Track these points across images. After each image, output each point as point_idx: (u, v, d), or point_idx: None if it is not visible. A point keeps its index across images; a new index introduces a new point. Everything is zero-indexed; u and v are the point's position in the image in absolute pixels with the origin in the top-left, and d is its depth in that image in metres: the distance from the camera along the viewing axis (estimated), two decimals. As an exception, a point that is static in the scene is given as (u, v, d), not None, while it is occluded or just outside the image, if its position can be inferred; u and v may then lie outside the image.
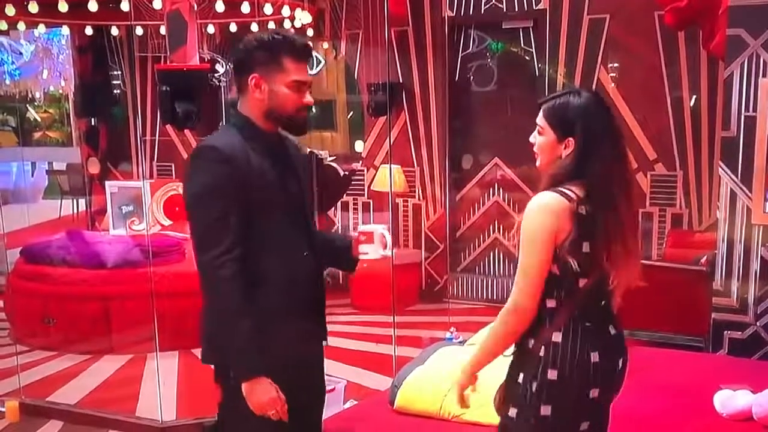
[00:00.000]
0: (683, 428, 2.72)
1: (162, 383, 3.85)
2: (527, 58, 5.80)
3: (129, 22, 5.80)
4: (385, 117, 6.07)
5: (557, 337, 1.89)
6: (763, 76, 3.64)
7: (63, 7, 5.44)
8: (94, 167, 7.08)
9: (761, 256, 3.73)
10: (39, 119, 8.61)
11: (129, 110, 7.21)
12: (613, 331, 1.97)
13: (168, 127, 6.00)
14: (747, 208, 3.73)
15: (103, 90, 7.15)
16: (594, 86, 5.41)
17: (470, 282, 6.12)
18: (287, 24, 5.90)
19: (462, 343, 3.43)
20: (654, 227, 5.39)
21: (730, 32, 3.71)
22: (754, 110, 3.66)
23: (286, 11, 5.63)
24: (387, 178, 5.66)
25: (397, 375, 3.09)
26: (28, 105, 8.18)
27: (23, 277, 5.40)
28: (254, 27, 5.74)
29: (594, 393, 1.90)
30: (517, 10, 5.67)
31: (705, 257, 4.24)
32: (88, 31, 6.34)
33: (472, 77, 6.00)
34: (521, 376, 1.92)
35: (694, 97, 5.19)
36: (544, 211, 1.85)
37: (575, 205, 1.84)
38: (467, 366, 1.98)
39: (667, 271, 4.50)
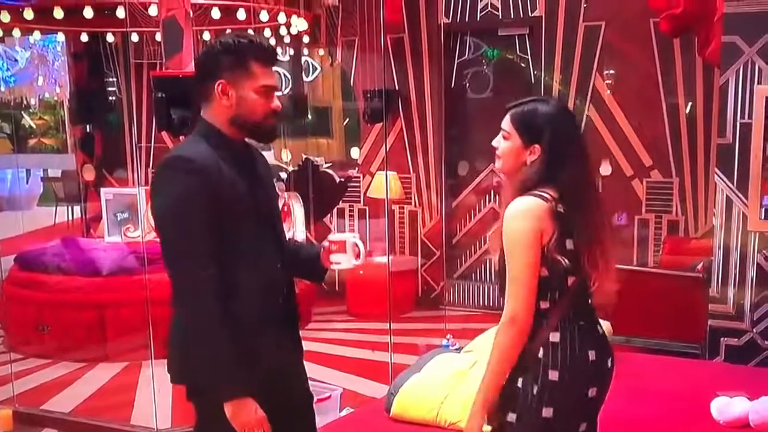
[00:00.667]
0: (680, 435, 2.71)
1: (157, 391, 3.83)
2: (523, 65, 5.81)
3: (124, 29, 5.79)
4: (381, 124, 6.08)
5: (555, 337, 1.89)
6: (759, 83, 3.65)
7: (58, 13, 5.44)
8: (89, 174, 7.06)
9: (757, 263, 3.73)
10: (34, 126, 8.58)
11: (124, 117, 7.19)
12: (600, 331, 1.99)
13: (163, 133, 5.97)
14: (743, 214, 3.73)
15: (99, 97, 7.14)
16: (590, 93, 5.44)
17: (467, 289, 6.11)
18: (283, 31, 5.90)
19: (459, 350, 3.42)
20: (650, 234, 5.40)
21: (726, 39, 3.72)
22: (750, 117, 3.67)
23: (281, 18, 5.63)
24: (383, 184, 5.66)
25: (394, 382, 3.08)
26: (23, 112, 8.16)
27: (17, 285, 5.37)
28: (250, 33, 5.74)
29: (593, 392, 1.91)
30: (512, 17, 5.68)
31: (701, 264, 4.25)
32: (84, 37, 6.33)
33: (468, 84, 6.01)
34: (520, 380, 1.91)
35: (690, 104, 5.20)
36: (525, 216, 1.85)
37: (553, 204, 1.86)
38: (480, 401, 1.92)
39: (663, 278, 4.51)
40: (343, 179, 6.49)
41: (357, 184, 6.48)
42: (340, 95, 6.75)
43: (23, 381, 4.55)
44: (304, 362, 2.24)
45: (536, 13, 5.58)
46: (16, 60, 7.54)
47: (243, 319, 1.95)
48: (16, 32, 6.10)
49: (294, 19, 5.71)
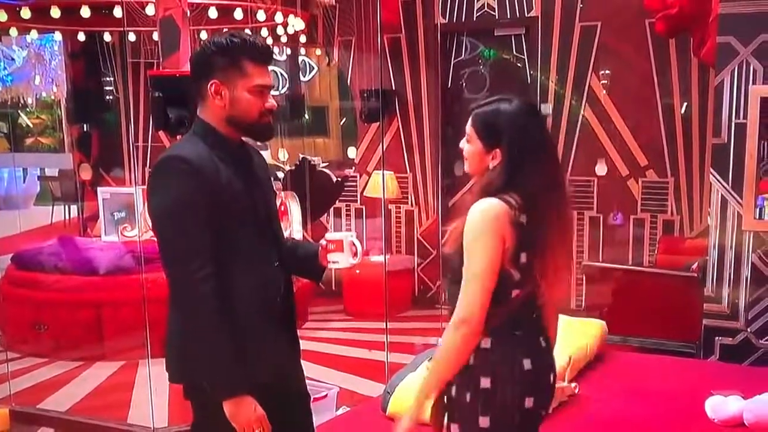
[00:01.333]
0: (675, 434, 2.72)
1: (154, 390, 3.82)
2: (519, 65, 5.82)
3: (122, 28, 5.78)
4: (378, 123, 6.08)
5: (486, 343, 1.84)
6: (753, 83, 3.67)
7: (55, 12, 5.43)
8: (86, 173, 7.05)
9: (752, 263, 3.75)
10: (31, 125, 8.57)
11: (121, 116, 7.18)
12: (543, 344, 1.92)
13: (160, 133, 5.98)
14: (738, 214, 3.75)
15: (96, 96, 7.13)
16: (585, 93, 5.45)
17: (463, 288, 6.11)
18: (280, 30, 5.91)
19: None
20: (645, 233, 5.41)
21: (721, 40, 3.74)
22: (745, 117, 3.69)
23: (279, 18, 5.63)
24: (380, 184, 5.66)
25: (390, 381, 3.09)
26: (20, 111, 8.14)
27: (14, 284, 5.37)
28: (247, 33, 5.74)
29: (529, 402, 1.85)
30: (509, 17, 5.69)
31: (696, 263, 4.26)
32: (81, 37, 6.32)
33: (464, 84, 6.02)
34: (454, 388, 1.88)
35: (685, 104, 5.22)
36: (489, 217, 1.80)
37: (516, 213, 1.80)
38: (420, 395, 1.91)
39: (658, 278, 4.52)
40: (339, 179, 6.50)
41: (354, 184, 6.48)
42: (337, 95, 6.76)
43: (20, 380, 4.54)
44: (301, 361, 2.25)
45: (532, 14, 5.59)
46: (13, 59, 7.52)
47: (241, 318, 1.95)
48: (13, 31, 6.10)
49: (291, 18, 5.71)
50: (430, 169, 6.15)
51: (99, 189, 6.26)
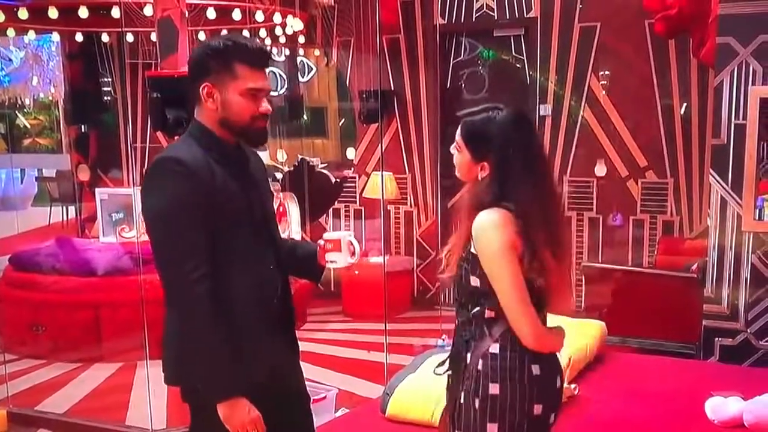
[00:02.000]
0: (675, 435, 2.72)
1: (152, 391, 3.81)
2: (518, 65, 5.81)
3: (120, 29, 5.77)
4: (377, 124, 6.07)
5: (495, 348, 1.83)
6: (753, 84, 3.67)
7: (53, 13, 5.42)
8: (84, 174, 7.03)
9: (751, 263, 3.75)
10: (28, 126, 8.54)
11: (119, 117, 7.17)
12: None
13: (158, 134, 5.97)
14: (737, 215, 3.75)
15: (94, 97, 7.11)
16: (585, 94, 5.44)
17: (462, 289, 6.10)
18: (278, 31, 5.90)
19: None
20: (645, 234, 5.41)
21: (720, 40, 3.74)
22: (744, 118, 3.69)
23: (277, 18, 5.63)
24: (379, 185, 5.65)
25: (389, 383, 3.08)
26: (17, 112, 8.12)
27: (12, 285, 5.36)
28: (245, 34, 5.74)
29: (537, 409, 1.83)
30: (508, 18, 5.68)
31: (696, 264, 4.26)
32: (79, 37, 6.32)
33: (463, 85, 6.02)
34: (462, 395, 1.87)
35: (685, 104, 5.22)
36: (498, 226, 1.78)
37: (516, 219, 1.79)
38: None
39: (658, 278, 4.52)
40: (338, 179, 6.48)
41: (353, 185, 6.48)
42: (335, 95, 6.75)
43: (18, 381, 4.53)
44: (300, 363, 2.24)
45: (531, 14, 5.59)
46: (10, 60, 7.50)
47: (237, 319, 1.94)
48: (11, 32, 6.08)
49: (290, 19, 5.70)
50: (429, 170, 6.14)
51: (97, 190, 6.25)
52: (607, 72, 5.39)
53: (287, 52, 6.54)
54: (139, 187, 1.97)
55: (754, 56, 3.66)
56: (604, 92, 5.40)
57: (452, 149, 1.95)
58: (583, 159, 5.46)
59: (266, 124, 2.01)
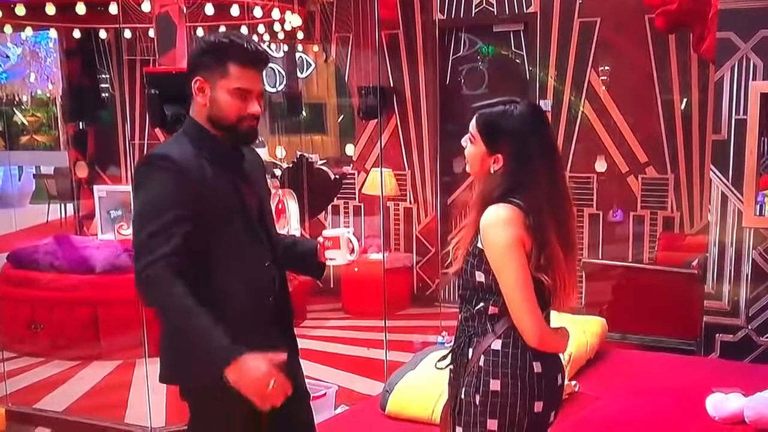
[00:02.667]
0: (676, 432, 2.71)
1: (151, 389, 3.80)
2: (518, 61, 5.80)
3: (117, 25, 5.75)
4: (376, 120, 6.06)
5: (497, 345, 1.82)
6: (753, 79, 3.65)
7: (50, 9, 5.39)
8: (82, 171, 7.02)
9: (752, 259, 3.74)
10: (26, 123, 8.53)
11: (117, 114, 7.15)
12: None
13: (157, 130, 5.95)
14: (738, 211, 3.74)
15: (92, 93, 7.09)
16: (585, 89, 5.43)
17: (461, 286, 6.10)
18: (277, 27, 5.87)
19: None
20: (645, 230, 5.40)
21: (720, 35, 3.72)
22: (745, 113, 3.67)
23: (276, 14, 5.60)
24: (378, 181, 5.63)
25: (389, 380, 3.07)
26: (15, 108, 8.11)
27: (10, 283, 5.34)
28: (244, 30, 5.72)
29: (538, 407, 1.83)
30: (507, 13, 5.66)
31: (696, 260, 4.25)
32: (76, 34, 6.29)
33: (462, 80, 6.00)
34: (463, 390, 1.87)
35: (685, 100, 5.20)
36: (506, 223, 1.77)
37: (525, 215, 1.78)
38: None
39: (658, 275, 4.51)
40: (337, 176, 6.47)
41: (352, 181, 6.46)
42: (334, 92, 6.73)
43: (16, 380, 4.52)
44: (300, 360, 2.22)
45: (531, 9, 5.56)
46: (7, 56, 7.47)
47: (233, 318, 1.93)
48: (8, 28, 6.06)
49: (288, 15, 5.68)
50: (429, 166, 6.13)
51: (95, 187, 6.24)
52: (607, 67, 5.37)
53: (286, 48, 6.52)
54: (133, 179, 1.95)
55: (754, 51, 3.64)
56: (604, 88, 5.39)
57: (464, 141, 1.93)
58: (583, 155, 5.45)
59: (255, 124, 1.99)
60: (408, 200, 6.28)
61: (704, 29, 4.20)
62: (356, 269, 5.33)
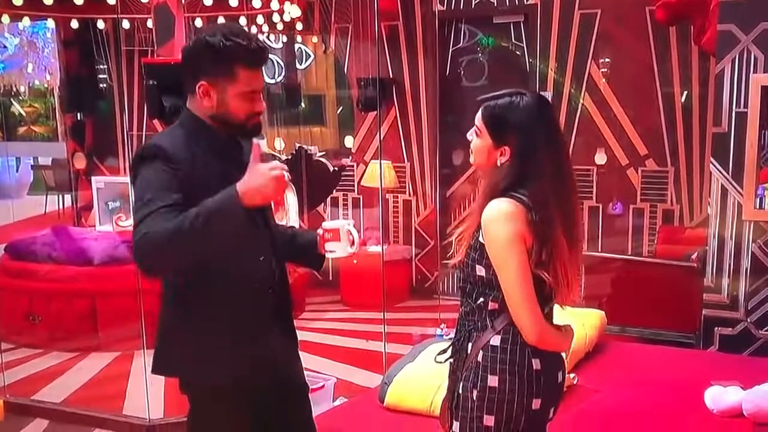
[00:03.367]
0: (674, 425, 2.71)
1: (149, 381, 3.79)
2: (518, 53, 5.77)
3: (115, 16, 5.73)
4: (375, 112, 6.04)
5: (496, 340, 1.81)
6: (754, 71, 3.64)
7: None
8: (80, 162, 7.00)
9: (752, 253, 3.73)
10: (24, 114, 8.50)
11: (115, 105, 7.13)
12: None
13: (155, 121, 5.92)
14: (738, 204, 3.73)
15: (89, 84, 7.06)
16: (585, 81, 5.41)
17: (460, 278, 6.10)
18: (276, 18, 5.85)
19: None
20: (645, 223, 5.39)
21: (721, 28, 3.70)
22: (745, 106, 3.66)
23: (274, 4, 5.58)
24: (377, 173, 5.63)
25: (387, 372, 3.07)
26: (12, 99, 8.08)
27: (8, 274, 5.33)
28: (242, 21, 5.69)
29: (536, 404, 1.82)
30: (507, 4, 5.64)
31: (696, 253, 4.25)
32: (74, 24, 6.26)
33: (462, 72, 5.98)
34: (461, 385, 1.86)
35: (685, 92, 5.18)
36: (507, 218, 1.76)
37: (529, 211, 1.76)
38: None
39: (657, 267, 4.51)
40: (336, 168, 6.46)
41: (351, 173, 6.45)
42: (333, 83, 6.71)
43: (14, 371, 4.51)
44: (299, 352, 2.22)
45: (531, 1, 5.54)
46: (5, 47, 7.45)
47: (232, 309, 1.92)
48: (5, 18, 6.02)
49: (287, 5, 5.65)
50: (428, 159, 6.11)
51: (93, 178, 6.22)
52: (607, 59, 5.35)
53: (285, 39, 6.49)
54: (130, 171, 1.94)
55: (755, 44, 3.62)
56: (604, 80, 5.37)
57: (469, 135, 1.91)
58: (583, 147, 5.43)
59: (259, 119, 1.98)
60: (407, 192, 6.27)
61: (705, 21, 4.18)
62: (355, 261, 5.33)
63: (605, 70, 5.36)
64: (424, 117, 6.08)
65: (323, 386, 3.56)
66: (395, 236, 6.34)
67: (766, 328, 3.74)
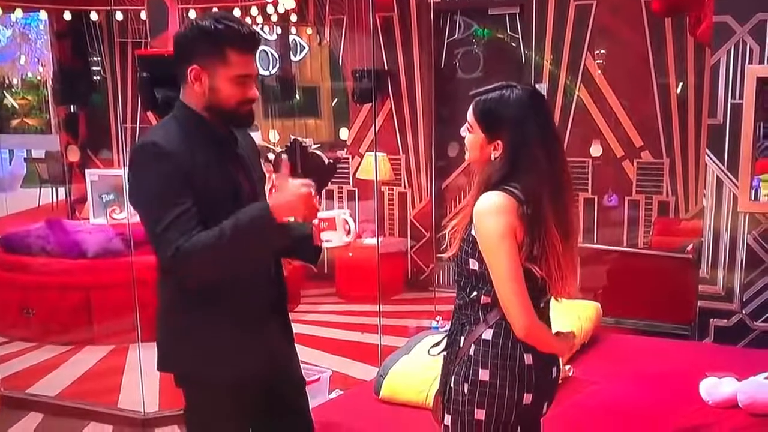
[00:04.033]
0: (669, 416, 2.71)
1: (144, 374, 3.80)
2: (513, 44, 5.76)
3: (109, 7, 5.69)
4: (371, 104, 6.01)
5: (488, 334, 1.81)
6: (750, 62, 3.63)
7: (40, -10, 5.33)
8: (73, 155, 6.97)
9: (747, 244, 3.74)
10: (17, 106, 8.45)
11: (109, 97, 7.10)
12: None
13: (149, 114, 5.90)
14: (733, 195, 3.73)
15: (83, 76, 7.02)
16: (580, 73, 5.40)
17: (456, 270, 6.09)
18: (270, 9, 5.82)
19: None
20: (640, 215, 5.40)
21: (717, 19, 3.69)
22: (741, 98, 3.65)
23: (269, -4, 5.55)
24: (372, 165, 5.61)
25: (383, 364, 3.07)
26: (5, 91, 8.03)
27: (2, 267, 5.30)
28: (236, 12, 5.65)
29: (527, 399, 1.81)
30: (503, -5, 5.62)
31: (691, 245, 4.26)
32: (67, 15, 6.23)
33: (458, 64, 5.96)
34: (453, 379, 1.86)
35: (681, 84, 5.18)
36: (498, 212, 1.75)
37: (521, 205, 1.75)
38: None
39: (653, 259, 4.52)
40: (332, 160, 6.44)
41: (346, 165, 6.43)
42: (328, 75, 6.68)
43: (8, 365, 4.51)
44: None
45: (527, -8, 5.52)
46: (-3, 38, 7.40)
47: (229, 303, 1.91)
48: (-3, 10, 5.99)
49: (281, -3, 5.62)
50: (423, 151, 6.10)
51: (87, 171, 6.20)
52: (602, 51, 5.35)
53: (279, 30, 6.46)
54: (127, 168, 1.92)
55: (751, 35, 3.62)
56: (599, 71, 5.37)
57: (463, 131, 1.89)
58: (579, 139, 5.43)
59: (252, 107, 1.96)
60: (402, 185, 6.26)
61: (701, 12, 4.18)
62: (350, 254, 5.32)
63: (601, 61, 5.35)
64: (420, 109, 6.06)
65: (319, 379, 3.56)
66: (390, 228, 6.34)
67: (761, 320, 3.75)
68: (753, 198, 3.71)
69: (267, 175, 2.20)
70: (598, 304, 3.67)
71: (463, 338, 1.85)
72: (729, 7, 3.64)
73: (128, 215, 5.12)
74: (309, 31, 6.48)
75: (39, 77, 7.81)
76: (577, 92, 5.44)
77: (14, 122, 8.45)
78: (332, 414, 2.88)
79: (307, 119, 6.81)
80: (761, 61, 3.62)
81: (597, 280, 4.52)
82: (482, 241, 1.78)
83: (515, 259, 1.75)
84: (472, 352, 1.81)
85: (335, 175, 6.46)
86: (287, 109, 6.68)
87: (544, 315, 1.89)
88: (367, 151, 6.20)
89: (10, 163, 8.56)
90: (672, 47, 5.15)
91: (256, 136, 5.66)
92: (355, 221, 2.13)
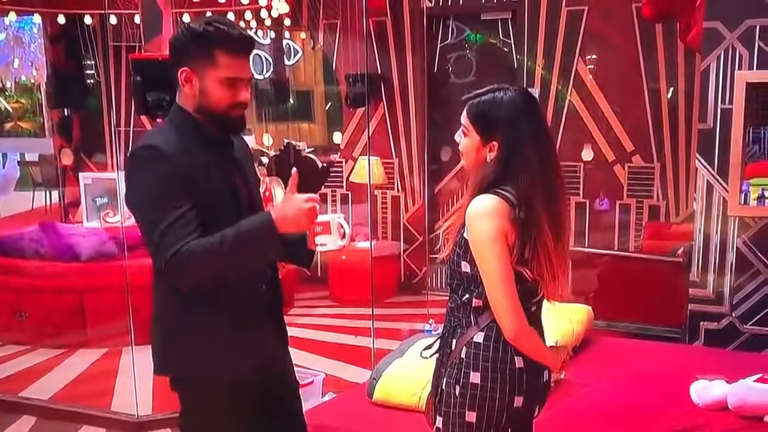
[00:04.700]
0: (659, 418, 2.73)
1: (138, 377, 3.80)
2: (506, 49, 5.79)
3: (102, 11, 5.69)
4: (364, 108, 6.03)
5: (479, 337, 1.82)
6: (740, 68, 3.66)
7: (34, -6, 5.33)
8: (67, 158, 6.96)
9: (737, 248, 3.76)
10: (10, 109, 8.44)
11: (103, 100, 7.09)
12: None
13: (143, 117, 5.91)
14: (723, 199, 3.76)
15: (77, 80, 7.02)
16: (572, 78, 5.43)
17: (449, 274, 6.10)
18: (264, 13, 5.83)
19: (441, 335, 3.42)
20: (631, 219, 5.42)
21: (707, 25, 3.73)
22: (731, 103, 3.69)
23: (262, 0, 5.56)
24: (365, 169, 5.63)
25: (376, 368, 3.08)
26: (-2, 95, 8.04)
27: (-5, 271, 5.30)
28: (231, 16, 5.67)
29: (518, 402, 1.82)
30: (495, 1, 5.66)
31: (682, 249, 4.28)
32: (61, 19, 6.22)
33: (450, 68, 5.98)
34: (444, 381, 1.87)
35: (671, 89, 5.22)
36: (490, 215, 1.77)
37: (513, 208, 1.77)
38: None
39: (644, 263, 4.54)
40: (325, 164, 6.44)
41: (339, 169, 6.44)
42: (321, 79, 6.70)
43: (1, 368, 4.50)
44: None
45: (519, -3, 5.56)
46: (-9, 42, 7.39)
47: (225, 307, 1.92)
48: (-9, 13, 5.99)
49: (275, 1, 5.63)
50: (417, 155, 6.12)
51: (81, 174, 6.20)
52: (594, 56, 5.38)
53: (273, 34, 6.47)
54: (124, 172, 1.93)
55: (740, 41, 3.65)
56: (591, 76, 5.40)
57: (457, 136, 1.91)
58: (570, 143, 5.46)
59: (243, 112, 1.97)
60: (396, 188, 6.28)
61: (691, 18, 4.21)
62: (344, 257, 5.33)
63: (592, 66, 5.39)
64: (413, 113, 6.08)
65: (312, 382, 3.56)
66: (384, 232, 6.35)
67: (750, 323, 3.77)
68: (742, 202, 3.74)
69: (260, 179, 2.21)
70: (590, 308, 3.69)
71: (454, 341, 1.86)
72: (719, 13, 3.68)
73: (122, 218, 5.13)
74: (303, 35, 6.49)
75: (33, 81, 7.81)
76: (568, 97, 5.47)
77: (8, 125, 8.44)
78: (325, 417, 2.89)
79: (301, 123, 6.82)
80: (750, 67, 3.65)
81: (588, 283, 4.54)
82: (474, 243, 1.79)
83: (506, 262, 1.76)
84: (463, 355, 1.83)
85: (329, 179, 6.47)
86: (281, 113, 6.69)
87: (535, 318, 1.90)
88: (360, 154, 6.22)
89: (4, 166, 8.54)
90: (663, 53, 5.19)
91: (250, 140, 5.68)
92: (348, 225, 2.15)
